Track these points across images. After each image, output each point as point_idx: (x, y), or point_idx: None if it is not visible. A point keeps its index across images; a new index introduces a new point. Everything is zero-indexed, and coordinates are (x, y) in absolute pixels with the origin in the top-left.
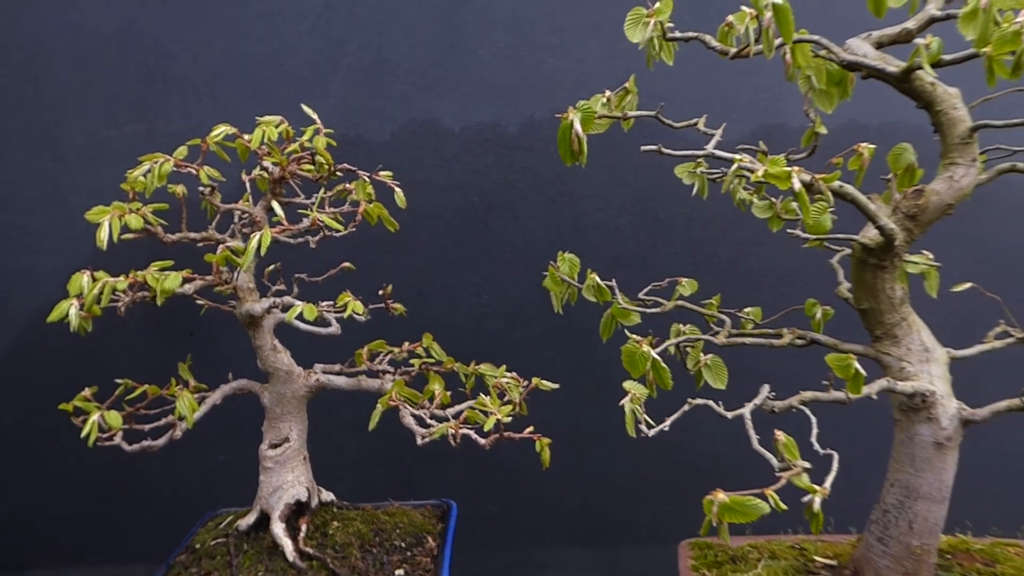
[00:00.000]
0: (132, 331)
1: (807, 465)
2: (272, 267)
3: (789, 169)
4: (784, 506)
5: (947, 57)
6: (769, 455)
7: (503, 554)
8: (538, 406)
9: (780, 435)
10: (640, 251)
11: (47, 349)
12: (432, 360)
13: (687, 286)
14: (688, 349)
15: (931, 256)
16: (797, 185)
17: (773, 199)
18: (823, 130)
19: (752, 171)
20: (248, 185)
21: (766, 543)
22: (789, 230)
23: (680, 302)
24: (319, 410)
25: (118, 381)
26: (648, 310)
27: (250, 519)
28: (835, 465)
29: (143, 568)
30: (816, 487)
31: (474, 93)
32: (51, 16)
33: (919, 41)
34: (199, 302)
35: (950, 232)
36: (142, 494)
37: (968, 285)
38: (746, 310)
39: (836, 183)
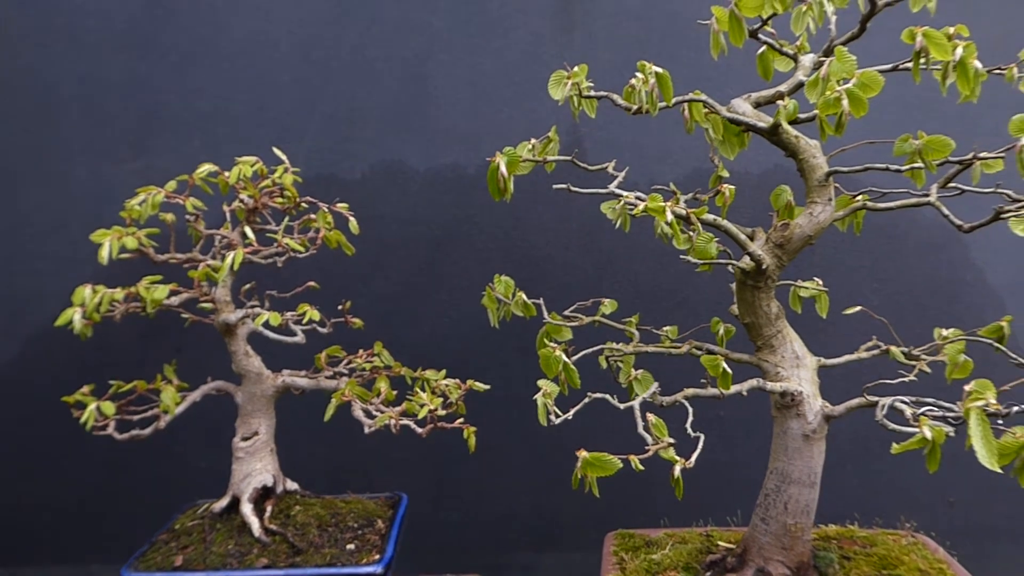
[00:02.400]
0: (125, 350)
1: (672, 441)
2: (248, 286)
3: (664, 204)
4: (641, 467)
5: (802, 116)
6: (646, 435)
7: (464, 557)
8: (493, 418)
9: (651, 417)
10: (587, 280)
11: (50, 361)
12: (382, 365)
13: (608, 305)
14: (620, 364)
15: (820, 282)
16: (670, 217)
17: (691, 233)
18: (725, 174)
19: (635, 207)
20: (228, 214)
21: (679, 532)
22: (681, 256)
23: (601, 319)
24: (305, 431)
25: (111, 382)
26: (571, 323)
27: (223, 503)
28: (700, 445)
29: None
30: (678, 458)
31: (436, 138)
32: (63, 66)
33: (780, 103)
34: (184, 316)
35: (869, 266)
36: (128, 497)
37: (857, 308)
38: (664, 328)
39: (710, 216)
